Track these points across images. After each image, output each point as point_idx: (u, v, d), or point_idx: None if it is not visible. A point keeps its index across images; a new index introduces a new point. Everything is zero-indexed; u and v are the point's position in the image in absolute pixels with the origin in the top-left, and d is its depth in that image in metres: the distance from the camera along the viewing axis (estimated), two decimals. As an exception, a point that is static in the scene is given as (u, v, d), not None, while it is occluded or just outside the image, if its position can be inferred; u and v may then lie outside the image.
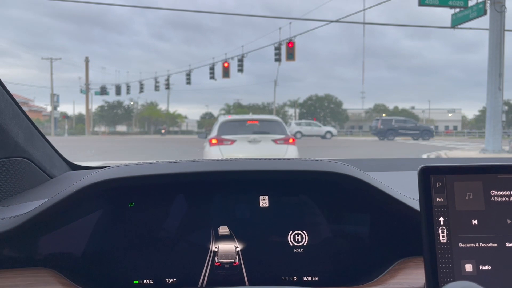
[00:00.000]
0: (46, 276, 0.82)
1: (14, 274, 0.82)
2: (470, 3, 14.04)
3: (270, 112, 52.09)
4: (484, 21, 14.14)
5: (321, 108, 61.48)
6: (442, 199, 0.70)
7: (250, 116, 9.52)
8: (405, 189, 0.94)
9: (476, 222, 0.70)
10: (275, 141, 8.00)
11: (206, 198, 0.91)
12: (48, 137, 1.28)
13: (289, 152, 7.84)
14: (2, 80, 1.05)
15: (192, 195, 0.91)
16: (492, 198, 0.70)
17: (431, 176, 0.70)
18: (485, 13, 13.44)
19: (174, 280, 0.89)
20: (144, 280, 0.88)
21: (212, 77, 25.37)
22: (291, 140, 8.15)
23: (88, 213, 0.89)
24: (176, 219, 0.90)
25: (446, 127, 63.99)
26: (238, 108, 59.06)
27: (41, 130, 1.24)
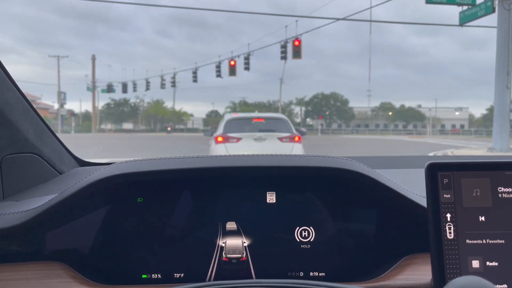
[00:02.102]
0: (56, 269, 0.83)
1: (25, 267, 0.84)
2: (478, 1, 13.92)
3: (276, 110, 52.01)
4: (492, 19, 14.02)
5: (327, 106, 61.34)
6: (449, 196, 0.70)
7: (255, 114, 9.53)
8: (412, 186, 0.94)
9: (483, 218, 0.70)
10: (280, 139, 8.00)
11: (214, 194, 0.91)
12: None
13: (295, 150, 7.84)
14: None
15: (200, 190, 0.92)
16: (500, 195, 0.70)
17: (438, 173, 0.70)
18: (493, 11, 13.32)
19: (182, 275, 0.89)
20: (153, 275, 0.89)
21: (219, 75, 25.39)
22: (296, 138, 8.15)
23: (97, 208, 0.90)
24: (184, 214, 0.91)
25: (453, 126, 63.64)
26: (244, 106, 59.11)
27: None
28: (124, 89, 39.94)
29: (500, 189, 0.70)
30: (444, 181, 0.70)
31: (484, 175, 0.71)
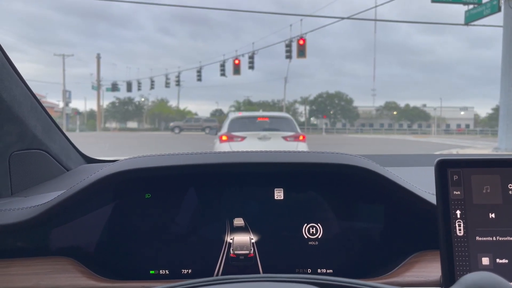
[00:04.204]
0: (65, 264, 0.84)
1: (33, 262, 0.84)
2: (484, 0, 13.82)
3: (280, 109, 51.95)
4: (498, 18, 13.92)
5: (332, 106, 61.20)
6: (459, 192, 0.70)
7: (260, 113, 9.52)
8: (420, 184, 0.94)
9: (493, 215, 0.69)
10: (285, 138, 7.99)
11: (222, 190, 0.91)
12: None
13: (299, 149, 7.81)
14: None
15: (208, 187, 0.92)
16: (510, 192, 0.70)
17: (448, 169, 0.70)
18: (499, 10, 13.23)
19: (190, 271, 0.90)
20: (160, 270, 0.90)
21: (223, 74, 25.37)
22: (301, 137, 8.14)
23: (105, 204, 0.91)
24: (192, 210, 0.91)
25: (458, 125, 63.36)
26: (248, 105, 59.10)
27: None
28: (129, 88, 40.02)
29: (510, 186, 0.70)
30: (454, 178, 0.70)
31: (494, 172, 0.70)
